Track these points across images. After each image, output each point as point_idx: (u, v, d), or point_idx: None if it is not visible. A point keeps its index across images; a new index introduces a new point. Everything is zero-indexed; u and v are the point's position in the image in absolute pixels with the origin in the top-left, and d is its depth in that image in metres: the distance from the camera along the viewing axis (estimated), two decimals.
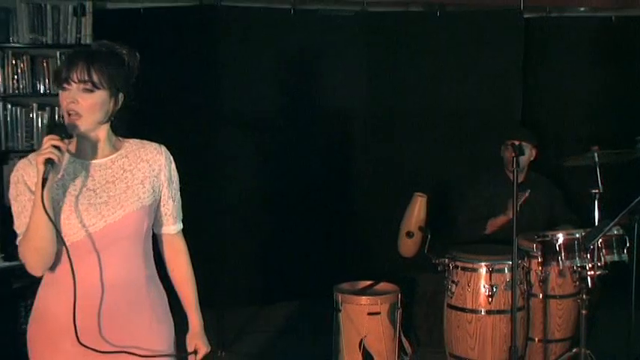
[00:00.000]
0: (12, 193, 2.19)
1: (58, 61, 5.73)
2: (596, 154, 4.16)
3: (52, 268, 2.16)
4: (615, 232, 3.86)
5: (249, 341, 4.99)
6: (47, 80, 5.75)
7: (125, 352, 2.18)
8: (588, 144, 4.30)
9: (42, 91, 5.75)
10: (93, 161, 2.22)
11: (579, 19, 6.33)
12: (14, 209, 2.18)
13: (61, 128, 2.10)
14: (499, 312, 3.91)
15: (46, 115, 5.74)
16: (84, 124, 2.14)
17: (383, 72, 5.94)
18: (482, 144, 5.72)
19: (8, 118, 5.67)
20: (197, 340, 2.42)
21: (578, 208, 4.67)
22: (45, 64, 5.73)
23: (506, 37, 5.92)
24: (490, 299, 3.90)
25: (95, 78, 2.12)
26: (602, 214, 3.89)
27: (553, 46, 6.09)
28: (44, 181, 2.00)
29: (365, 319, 4.29)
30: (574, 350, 3.88)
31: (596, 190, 3.90)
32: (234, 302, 5.34)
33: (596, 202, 3.86)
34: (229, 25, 5.58)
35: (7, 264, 4.06)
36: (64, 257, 2.11)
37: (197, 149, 5.38)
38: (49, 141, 2.03)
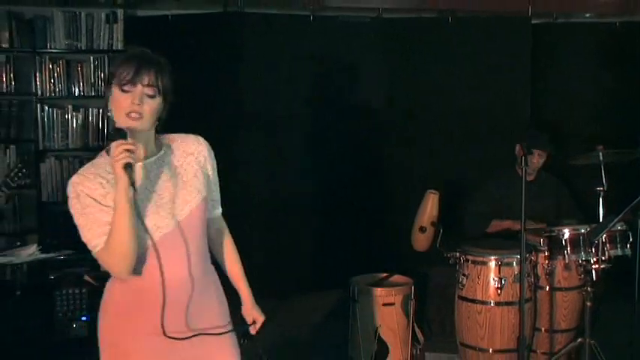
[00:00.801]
0: (76, 208, 2.11)
1: (92, 65, 5.77)
2: (601, 154, 4.12)
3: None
4: (619, 228, 3.83)
5: (270, 331, 4.98)
6: (82, 83, 5.79)
7: (205, 333, 2.22)
8: (593, 144, 4.26)
9: (76, 94, 5.80)
10: (145, 162, 2.19)
11: (585, 24, 6.28)
12: (81, 223, 2.11)
13: (122, 134, 2.09)
14: (508, 303, 3.88)
15: (80, 117, 5.79)
16: (142, 127, 2.12)
17: (397, 76, 5.92)
18: (492, 145, 5.69)
19: (45, 119, 5.72)
20: (253, 312, 2.47)
21: (583, 205, 4.63)
22: (79, 69, 5.78)
23: (514, 41, 5.87)
24: (499, 291, 3.88)
25: (160, 83, 2.12)
26: (607, 210, 3.86)
27: (560, 51, 6.04)
28: (132, 184, 2.02)
29: (380, 309, 4.28)
30: (579, 340, 3.85)
31: (601, 188, 3.87)
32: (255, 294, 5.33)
33: (600, 200, 3.83)
34: (252, 30, 5.58)
35: (43, 256, 4.09)
36: (148, 256, 2.12)
37: (222, 150, 5.38)
38: (121, 146, 2.02)
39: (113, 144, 2.05)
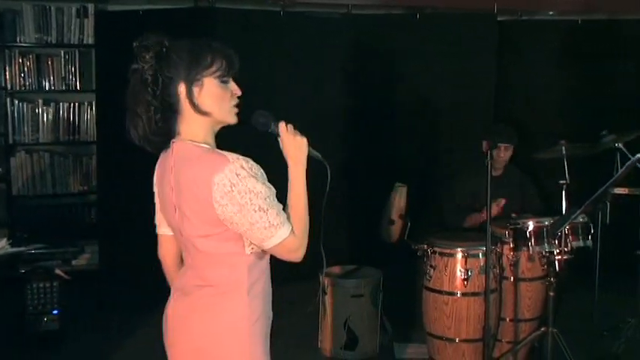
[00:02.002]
0: (267, 188, 1.90)
1: (62, 60, 5.70)
2: (563, 148, 4.17)
3: (258, 265, 2.04)
4: (581, 220, 3.86)
5: None
6: (52, 77, 5.71)
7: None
8: (557, 138, 4.31)
9: (47, 88, 5.72)
10: None
11: (548, 21, 6.35)
12: (268, 207, 1.89)
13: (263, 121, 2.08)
14: (474, 294, 3.91)
15: (51, 111, 5.71)
16: None
17: (366, 71, 5.92)
18: (459, 138, 5.72)
19: (15, 113, 5.65)
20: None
21: (547, 198, 4.68)
22: (50, 63, 5.70)
23: (480, 38, 5.92)
24: (465, 282, 3.90)
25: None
26: (569, 203, 3.90)
27: (524, 47, 6.09)
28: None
29: (349, 300, 4.29)
30: (542, 329, 3.89)
31: (564, 181, 3.91)
32: None
33: (563, 192, 3.87)
34: (222, 26, 5.54)
35: (14, 250, 4.04)
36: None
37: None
38: (290, 124, 2.02)
39: (282, 123, 2.04)
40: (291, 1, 5.70)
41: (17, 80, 5.63)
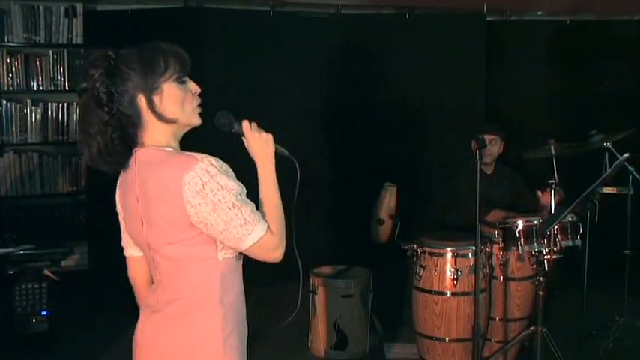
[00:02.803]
0: (238, 188, 1.84)
1: (51, 60, 5.67)
2: (552, 148, 4.19)
3: (230, 272, 1.96)
4: (570, 220, 3.88)
5: None
6: (41, 77, 5.68)
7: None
8: (545, 138, 4.32)
9: (35, 88, 5.69)
10: None
11: (537, 22, 6.37)
12: (241, 205, 1.83)
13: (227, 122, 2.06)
14: (463, 293, 3.92)
15: (39, 111, 5.68)
16: None
17: (356, 70, 5.92)
18: (448, 138, 5.73)
19: (3, 114, 5.62)
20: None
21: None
22: (38, 63, 5.67)
23: (470, 38, 5.93)
24: (455, 282, 3.92)
25: None
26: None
27: (513, 47, 6.12)
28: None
29: (339, 300, 4.30)
30: (531, 328, 3.90)
31: (553, 181, 3.93)
32: None
33: (552, 192, 3.88)
34: (212, 26, 5.54)
35: (2, 251, 4.01)
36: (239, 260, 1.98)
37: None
38: (253, 122, 1.99)
39: (245, 122, 1.99)
40: (281, 1, 5.70)
41: (5, 80, 5.59)
